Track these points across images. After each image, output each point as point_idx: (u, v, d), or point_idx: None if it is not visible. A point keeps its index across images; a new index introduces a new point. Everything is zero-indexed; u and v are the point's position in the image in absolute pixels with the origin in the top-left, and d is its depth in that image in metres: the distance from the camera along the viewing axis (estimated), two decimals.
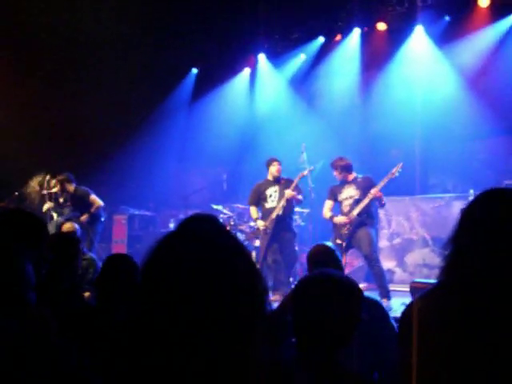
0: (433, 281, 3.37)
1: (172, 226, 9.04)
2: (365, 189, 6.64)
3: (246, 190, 8.84)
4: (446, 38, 8.87)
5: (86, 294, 4.62)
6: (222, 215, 8.14)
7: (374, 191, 6.49)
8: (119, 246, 9.59)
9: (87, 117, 9.10)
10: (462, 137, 8.45)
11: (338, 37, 9.53)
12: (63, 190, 7.95)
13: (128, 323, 1.13)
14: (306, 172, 7.16)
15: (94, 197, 7.78)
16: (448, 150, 8.56)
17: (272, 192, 7.30)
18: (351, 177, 6.83)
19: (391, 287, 7.04)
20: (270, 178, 7.37)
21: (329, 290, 2.33)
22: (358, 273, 7.88)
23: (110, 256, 3.34)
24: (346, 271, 7.22)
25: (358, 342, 2.38)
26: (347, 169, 6.81)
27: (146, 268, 1.10)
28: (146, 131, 9.29)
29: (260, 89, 10.04)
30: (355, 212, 6.61)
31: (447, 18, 8.89)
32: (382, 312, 3.25)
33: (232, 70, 9.94)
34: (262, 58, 9.87)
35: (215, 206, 8.36)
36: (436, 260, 7.14)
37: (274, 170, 7.30)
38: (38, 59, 8.96)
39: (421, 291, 1.82)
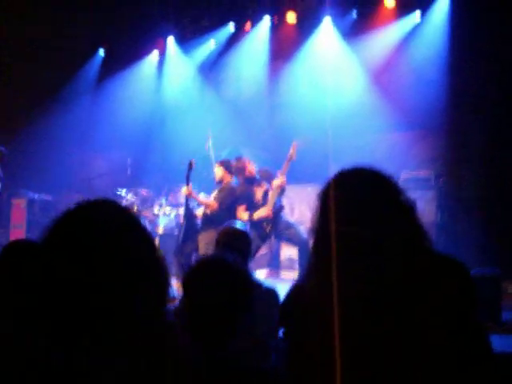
0: None
1: None
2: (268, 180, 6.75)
3: (151, 175, 8.72)
4: (353, 32, 9.05)
5: None
6: (124, 201, 7.97)
7: (280, 181, 6.61)
8: (18, 232, 9.19)
9: None
10: (365, 129, 8.68)
11: (248, 24, 9.51)
12: None
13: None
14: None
15: None
16: (351, 141, 8.77)
17: None
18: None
19: (293, 273, 7.19)
20: None
21: (215, 275, 2.34)
22: (261, 260, 7.97)
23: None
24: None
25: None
26: (243, 169, 6.74)
27: None
28: (49, 113, 8.92)
29: (168, 73, 9.88)
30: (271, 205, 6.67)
31: (355, 13, 9.08)
32: (275, 300, 3.28)
33: (140, 53, 9.71)
34: (170, 41, 9.71)
35: (119, 191, 8.17)
36: None
37: None
38: None
39: None
